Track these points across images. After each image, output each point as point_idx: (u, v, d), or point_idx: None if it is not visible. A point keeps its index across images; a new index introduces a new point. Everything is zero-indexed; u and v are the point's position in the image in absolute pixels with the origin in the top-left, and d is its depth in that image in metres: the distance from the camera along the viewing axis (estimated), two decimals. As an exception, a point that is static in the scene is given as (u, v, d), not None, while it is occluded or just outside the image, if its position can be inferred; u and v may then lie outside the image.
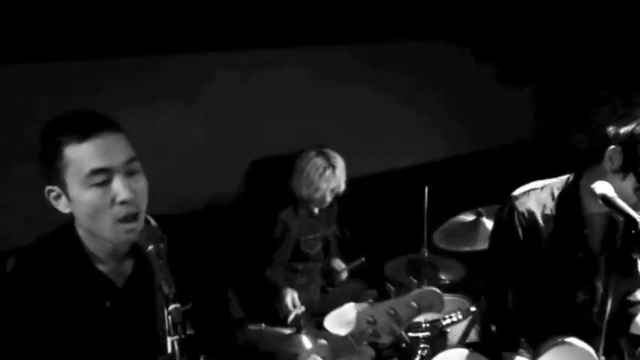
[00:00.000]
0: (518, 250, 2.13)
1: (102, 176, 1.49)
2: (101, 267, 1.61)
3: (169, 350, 1.45)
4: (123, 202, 1.50)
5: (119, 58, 3.23)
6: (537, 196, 2.16)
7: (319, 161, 3.39)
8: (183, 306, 1.60)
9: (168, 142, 3.35)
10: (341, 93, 4.08)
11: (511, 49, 4.88)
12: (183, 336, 1.35)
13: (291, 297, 3.25)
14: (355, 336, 1.71)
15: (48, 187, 1.55)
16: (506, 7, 4.47)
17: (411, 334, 2.97)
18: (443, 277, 3.37)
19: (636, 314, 2.31)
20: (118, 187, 1.50)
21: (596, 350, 2.19)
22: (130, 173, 1.53)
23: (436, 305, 1.69)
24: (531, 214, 2.13)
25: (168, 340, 1.44)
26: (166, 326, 1.39)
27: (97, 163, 1.49)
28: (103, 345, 1.59)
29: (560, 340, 2.18)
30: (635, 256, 1.94)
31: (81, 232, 1.61)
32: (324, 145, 3.50)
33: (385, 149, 4.32)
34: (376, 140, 4.27)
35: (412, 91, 4.40)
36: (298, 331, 2.77)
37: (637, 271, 2.19)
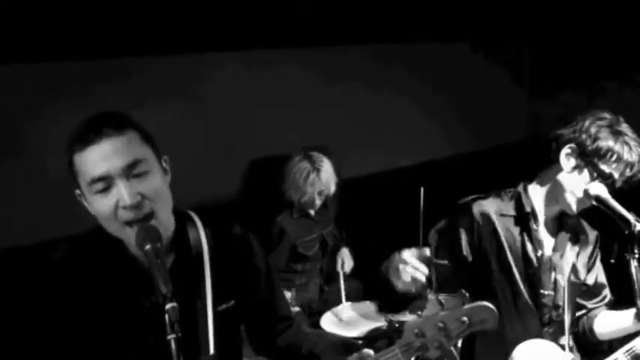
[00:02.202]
0: (464, 258, 2.22)
1: (102, 183, 1.50)
2: (142, 263, 1.61)
3: (212, 351, 1.48)
4: (126, 207, 1.50)
5: (117, 59, 3.24)
6: (492, 202, 2.25)
7: (304, 165, 3.40)
8: (227, 303, 1.67)
9: (165, 143, 3.36)
10: (339, 93, 4.09)
11: (511, 49, 4.89)
12: (179, 334, 1.35)
13: (286, 295, 3.27)
14: (403, 348, 1.66)
15: (76, 191, 1.58)
16: (502, 7, 4.48)
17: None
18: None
19: (595, 316, 2.38)
20: (120, 192, 1.49)
21: (562, 347, 2.25)
22: (135, 176, 1.52)
23: (489, 321, 1.62)
24: (487, 218, 2.21)
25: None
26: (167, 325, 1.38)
27: (96, 172, 1.49)
28: (137, 343, 1.60)
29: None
30: (628, 257, 1.96)
31: None
32: (311, 148, 3.50)
33: (382, 149, 4.33)
34: (373, 140, 4.28)
35: (410, 92, 4.41)
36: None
37: (583, 273, 2.32)
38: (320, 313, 3.32)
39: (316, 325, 3.23)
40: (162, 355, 1.51)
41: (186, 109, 3.54)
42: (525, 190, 2.27)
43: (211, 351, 1.55)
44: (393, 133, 4.38)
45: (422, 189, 3.30)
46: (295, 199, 3.43)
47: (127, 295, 1.60)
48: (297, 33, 3.77)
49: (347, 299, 3.47)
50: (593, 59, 4.71)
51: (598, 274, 2.39)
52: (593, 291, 2.39)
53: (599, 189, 2.06)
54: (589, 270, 2.36)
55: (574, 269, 2.30)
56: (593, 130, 2.11)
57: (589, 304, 2.40)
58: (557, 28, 4.76)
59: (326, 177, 3.42)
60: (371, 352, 1.70)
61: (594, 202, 2.11)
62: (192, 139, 3.55)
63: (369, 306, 3.42)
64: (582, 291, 2.37)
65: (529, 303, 2.23)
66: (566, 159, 2.15)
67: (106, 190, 1.50)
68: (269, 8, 3.62)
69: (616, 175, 2.09)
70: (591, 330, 2.37)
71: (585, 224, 2.36)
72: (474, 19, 4.49)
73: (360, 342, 3.04)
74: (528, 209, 2.23)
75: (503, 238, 2.21)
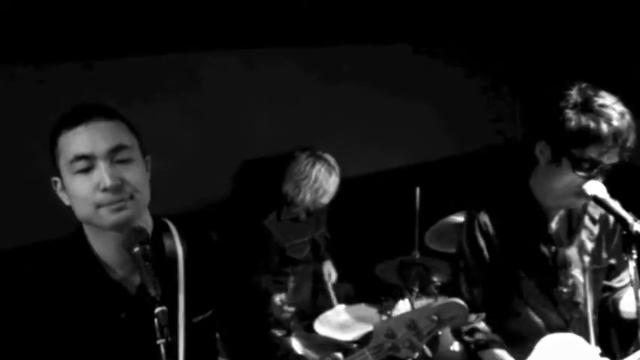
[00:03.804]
0: (483, 260, 2.16)
1: (85, 163, 1.49)
2: (114, 275, 1.60)
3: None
4: (105, 190, 1.48)
5: (110, 59, 3.21)
6: (492, 206, 2.18)
7: (323, 167, 3.37)
8: (204, 313, 1.65)
9: (159, 143, 3.34)
10: (333, 94, 4.07)
11: (499, 52, 4.89)
12: (169, 339, 1.34)
13: (279, 298, 3.24)
14: (373, 350, 1.65)
15: (53, 179, 1.57)
16: (492, 11, 4.48)
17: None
18: (434, 279, 3.36)
19: (621, 297, 2.30)
20: (100, 173, 1.48)
21: (589, 341, 2.18)
22: (119, 161, 1.51)
23: (459, 319, 1.64)
24: (491, 222, 2.15)
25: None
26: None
27: (80, 150, 1.49)
28: (116, 355, 1.58)
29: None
30: (625, 257, 1.92)
31: (89, 237, 1.60)
32: (314, 148, 3.48)
33: (377, 150, 4.32)
34: (368, 141, 4.27)
35: (404, 93, 4.40)
36: (289, 333, 2.76)
37: (605, 258, 2.24)
38: (314, 317, 3.29)
39: (310, 328, 3.20)
40: None
41: (184, 108, 3.53)
42: (526, 189, 2.17)
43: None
44: (385, 134, 4.37)
45: (417, 189, 3.30)
46: (310, 200, 3.37)
47: (101, 307, 1.57)
48: (289, 33, 3.75)
49: (339, 302, 3.45)
50: (577, 61, 4.69)
51: (621, 250, 2.24)
52: (617, 268, 2.29)
53: (597, 189, 2.00)
54: (612, 249, 2.26)
55: (595, 256, 2.21)
56: (558, 117, 1.98)
57: (614, 284, 2.30)
58: (544, 30, 4.75)
59: (339, 174, 3.42)
60: (340, 355, 1.69)
61: (592, 203, 2.08)
62: (190, 138, 3.54)
63: (363, 309, 3.40)
64: (607, 273, 2.29)
65: (543, 301, 2.17)
66: (542, 155, 2.07)
67: (86, 170, 1.49)
68: (260, 8, 3.61)
69: (596, 156, 1.95)
70: (616, 309, 2.28)
71: None
72: (465, 24, 4.49)
73: (355, 345, 3.02)
74: (533, 209, 2.14)
75: (508, 242, 2.14)
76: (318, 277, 3.69)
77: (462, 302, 1.64)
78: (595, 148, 1.95)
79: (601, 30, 4.42)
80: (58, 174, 1.56)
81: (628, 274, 2.23)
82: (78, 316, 1.56)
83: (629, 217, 1.90)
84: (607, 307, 2.32)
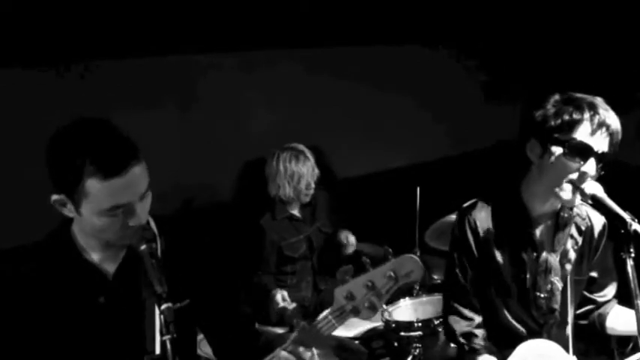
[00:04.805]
0: (472, 257, 2.19)
1: (120, 210, 1.50)
2: (92, 257, 1.63)
3: (157, 351, 1.46)
4: (136, 226, 1.53)
5: (110, 61, 3.22)
6: (483, 206, 2.21)
7: (289, 154, 3.40)
8: (180, 302, 1.62)
9: (159, 144, 3.35)
10: (333, 95, 4.09)
11: (499, 52, 4.91)
12: (174, 335, 1.35)
13: (280, 295, 3.25)
14: (335, 314, 1.66)
15: (55, 197, 1.53)
16: (494, 12, 4.49)
17: (403, 334, 2.98)
18: (435, 277, 3.38)
19: (608, 313, 2.33)
20: (134, 215, 1.52)
21: (566, 348, 2.21)
22: (144, 197, 1.55)
23: (415, 273, 1.63)
24: (480, 222, 2.18)
25: (157, 337, 1.46)
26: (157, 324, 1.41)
27: (119, 200, 1.49)
28: (95, 340, 1.61)
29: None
30: (624, 256, 1.93)
31: (77, 230, 1.63)
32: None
33: (377, 150, 4.33)
34: (368, 141, 4.28)
35: (404, 94, 4.41)
36: (291, 330, 2.77)
37: (585, 270, 2.26)
38: (316, 313, 3.30)
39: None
40: (121, 348, 1.59)
41: (184, 109, 3.54)
42: (517, 194, 2.18)
43: (157, 351, 1.52)
44: (386, 134, 4.38)
45: (418, 188, 3.31)
46: (292, 190, 3.39)
47: (81, 294, 1.61)
48: (291, 35, 3.77)
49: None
50: (577, 61, 4.70)
51: (605, 265, 2.30)
52: (600, 283, 2.31)
53: (595, 188, 2.00)
54: (594, 262, 2.28)
55: (577, 266, 2.23)
56: (541, 113, 2.04)
57: (597, 298, 2.33)
58: (543, 32, 4.76)
59: (311, 157, 3.42)
60: (305, 323, 1.71)
61: (590, 202, 2.07)
62: (189, 139, 3.55)
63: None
64: (588, 284, 2.31)
65: (518, 305, 2.20)
66: (533, 154, 2.08)
67: (119, 213, 1.51)
68: (267, 10, 3.62)
69: (583, 138, 1.96)
70: (602, 325, 2.31)
71: (592, 212, 2.26)
72: (466, 26, 4.50)
73: (357, 342, 3.04)
74: (520, 214, 2.15)
75: (493, 243, 2.17)
76: (318, 274, 3.68)
77: (415, 257, 1.65)
78: (581, 131, 1.97)
79: (600, 31, 4.43)
80: (64, 194, 1.52)
81: (612, 289, 2.32)
82: (58, 304, 1.59)
83: (627, 216, 1.90)
84: (592, 321, 2.34)
